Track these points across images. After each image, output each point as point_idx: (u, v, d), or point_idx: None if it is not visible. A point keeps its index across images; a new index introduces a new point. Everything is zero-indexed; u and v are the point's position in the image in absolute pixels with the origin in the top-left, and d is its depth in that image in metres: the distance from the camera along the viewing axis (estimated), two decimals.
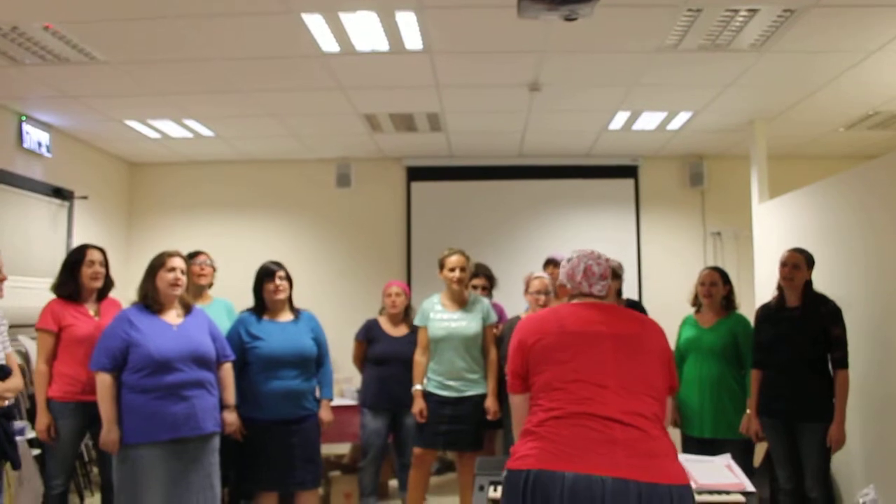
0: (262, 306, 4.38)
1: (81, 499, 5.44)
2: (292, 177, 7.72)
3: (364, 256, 7.59)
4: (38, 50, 4.55)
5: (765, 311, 4.29)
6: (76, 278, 4.12)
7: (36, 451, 4.12)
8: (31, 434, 4.02)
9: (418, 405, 4.68)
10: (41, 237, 6.08)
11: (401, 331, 5.10)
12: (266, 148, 7.25)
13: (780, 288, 4.20)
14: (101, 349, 3.73)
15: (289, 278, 4.44)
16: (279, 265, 4.43)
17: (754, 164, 6.28)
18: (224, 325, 4.44)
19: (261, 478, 4.26)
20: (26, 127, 5.92)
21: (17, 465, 3.19)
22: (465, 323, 4.68)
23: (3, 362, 3.19)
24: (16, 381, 3.23)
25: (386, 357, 4.99)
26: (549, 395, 2.45)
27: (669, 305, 5.12)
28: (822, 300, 4.05)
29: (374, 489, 5.09)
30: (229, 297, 4.95)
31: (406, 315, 5.17)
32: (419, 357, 4.78)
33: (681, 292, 4.89)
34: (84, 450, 5.22)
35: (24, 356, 5.10)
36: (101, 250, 4.24)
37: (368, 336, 5.12)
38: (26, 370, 4.65)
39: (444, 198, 7.62)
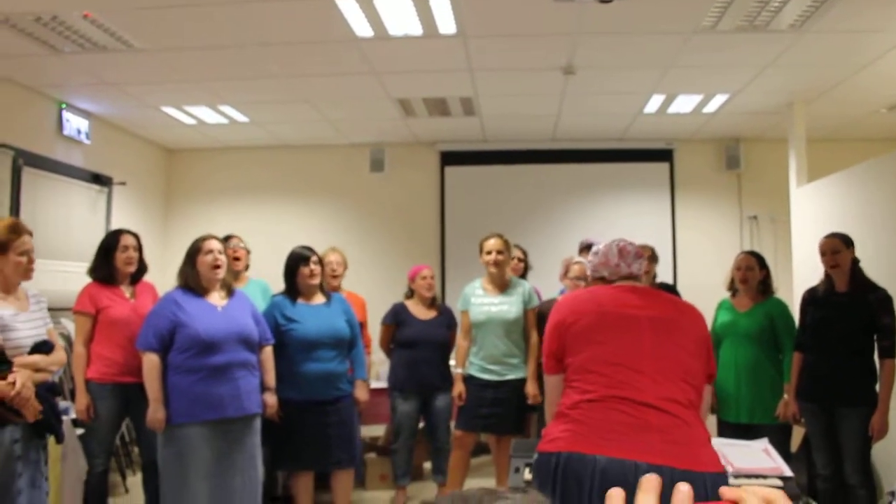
0: (295, 290, 4.42)
1: (123, 478, 5.56)
2: (326, 162, 7.75)
3: (398, 241, 7.61)
4: (77, 38, 4.61)
5: (812, 295, 4.21)
6: (110, 262, 4.20)
7: (79, 431, 4.23)
8: (74, 414, 4.12)
9: (458, 388, 4.71)
10: (81, 222, 6.18)
11: (429, 314, 5.12)
12: (300, 133, 7.29)
13: (827, 274, 4.13)
14: (149, 329, 3.80)
15: (320, 263, 4.49)
16: (311, 250, 4.48)
17: (792, 147, 6.18)
18: (260, 305, 4.51)
19: (298, 457, 4.32)
20: (66, 115, 6.02)
21: (60, 439, 3.27)
22: (506, 307, 4.68)
23: (46, 338, 3.27)
24: (59, 355, 3.29)
25: (415, 340, 5.02)
26: (583, 378, 2.44)
27: (705, 290, 5.07)
28: (872, 287, 3.98)
29: (408, 471, 5.13)
30: (266, 281, 5.02)
31: (433, 298, 5.19)
32: (461, 341, 4.82)
33: (716, 277, 4.84)
34: (125, 430, 5.33)
35: (67, 338, 5.21)
36: (135, 235, 4.32)
37: (397, 320, 5.14)
38: (69, 350, 4.75)
39: (478, 182, 7.61)
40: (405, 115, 6.61)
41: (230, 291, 4.03)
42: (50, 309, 4.13)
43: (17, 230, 3.31)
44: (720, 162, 7.51)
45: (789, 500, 0.74)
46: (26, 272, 3.34)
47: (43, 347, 3.24)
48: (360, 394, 4.53)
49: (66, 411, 4.06)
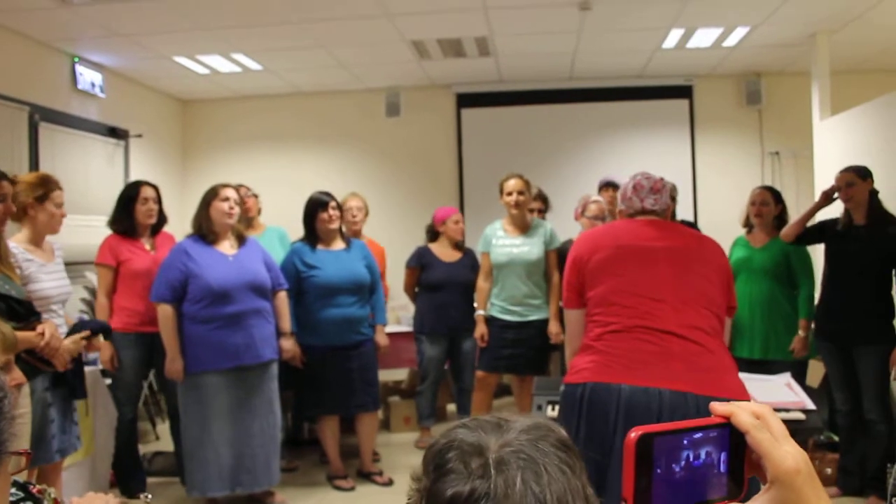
0: (315, 236, 4.43)
1: (154, 425, 5.69)
2: (342, 107, 7.69)
3: (416, 185, 7.58)
4: None
5: (831, 227, 4.14)
6: (131, 214, 4.23)
7: (107, 381, 4.32)
8: (101, 365, 4.21)
9: (480, 330, 4.74)
10: (99, 176, 6.21)
11: (454, 256, 5.12)
12: (315, 79, 7.22)
13: (846, 211, 4.07)
14: (161, 281, 3.85)
15: (339, 208, 4.49)
16: (330, 195, 4.48)
17: (815, 80, 6.04)
18: (277, 252, 4.54)
19: (322, 402, 4.39)
20: (79, 68, 6.00)
21: (78, 395, 3.32)
22: (528, 248, 4.68)
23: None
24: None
25: (441, 283, 5.03)
26: (605, 310, 2.45)
27: (725, 228, 5.02)
28: (891, 219, 3.93)
29: (432, 413, 5.20)
30: (284, 228, 5.04)
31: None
32: (482, 283, 4.82)
33: (737, 214, 4.79)
34: (153, 379, 5.44)
35: (92, 291, 5.28)
36: (154, 187, 4.33)
37: (421, 262, 5.15)
38: (94, 305, 4.82)
39: (495, 124, 7.53)
40: (420, 58, 6.52)
41: (242, 240, 4.05)
42: (72, 263, 4.20)
43: (54, 182, 3.39)
44: (740, 97, 7.37)
45: (777, 417, 0.75)
46: (57, 225, 3.41)
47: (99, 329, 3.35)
48: (381, 339, 4.57)
49: (93, 362, 4.14)
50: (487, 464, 0.86)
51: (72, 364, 3.17)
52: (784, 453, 0.72)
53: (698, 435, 0.73)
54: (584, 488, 0.89)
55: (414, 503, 0.91)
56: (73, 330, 3.31)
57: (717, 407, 0.75)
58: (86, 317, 4.63)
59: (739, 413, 0.74)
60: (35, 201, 3.33)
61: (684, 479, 0.72)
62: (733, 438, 0.74)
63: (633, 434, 0.69)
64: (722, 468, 0.74)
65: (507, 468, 0.85)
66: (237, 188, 4.81)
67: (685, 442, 0.72)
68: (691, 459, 0.72)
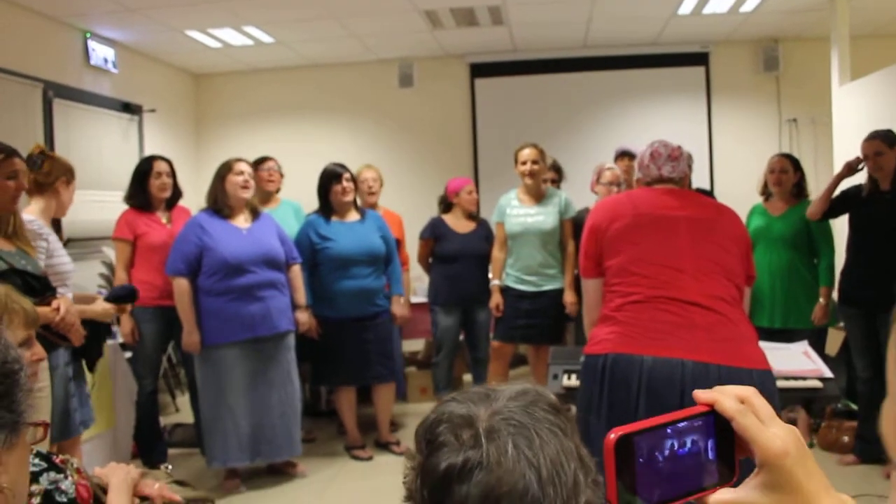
0: (329, 208, 4.44)
1: (173, 397, 5.76)
2: (355, 79, 7.66)
3: (431, 155, 7.55)
4: None
5: (856, 193, 4.08)
6: (146, 189, 4.26)
7: (127, 355, 4.36)
8: (120, 339, 4.25)
9: (495, 300, 4.74)
10: (114, 152, 6.22)
11: (468, 226, 5.11)
12: (327, 51, 7.18)
13: (871, 177, 4.02)
14: (176, 255, 3.87)
15: (353, 179, 4.48)
16: (344, 167, 4.47)
17: (835, 44, 5.93)
18: (292, 226, 4.55)
19: (339, 373, 4.43)
20: (91, 44, 5.99)
21: (91, 367, 3.35)
22: (542, 217, 4.66)
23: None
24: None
25: (455, 254, 5.03)
26: (625, 280, 2.44)
27: (743, 196, 4.98)
28: None
29: (449, 383, 5.23)
30: (299, 200, 5.04)
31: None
32: (497, 253, 4.81)
33: (754, 183, 4.74)
34: (172, 352, 5.49)
35: (109, 266, 5.32)
36: (168, 161, 4.35)
37: (435, 234, 5.14)
38: (111, 280, 4.86)
39: (509, 93, 7.47)
40: (432, 28, 6.47)
41: (255, 214, 4.07)
42: (88, 238, 4.22)
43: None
44: (758, 64, 7.27)
45: (762, 398, 0.74)
46: (67, 210, 3.50)
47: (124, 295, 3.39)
48: (398, 309, 4.59)
49: (114, 336, 4.19)
50: (478, 433, 0.87)
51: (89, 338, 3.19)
52: (771, 436, 0.70)
53: (682, 425, 0.72)
54: (578, 448, 0.90)
55: (410, 481, 0.91)
56: (106, 299, 3.35)
57: (700, 395, 0.74)
58: (104, 291, 4.66)
59: (723, 399, 0.72)
60: (66, 180, 3.41)
61: (671, 469, 0.71)
62: (720, 424, 0.73)
63: (613, 435, 0.68)
64: (710, 455, 0.73)
65: (498, 436, 0.86)
66: (264, 160, 4.82)
67: (668, 432, 0.71)
68: (676, 448, 0.71)
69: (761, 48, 7.21)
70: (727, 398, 0.73)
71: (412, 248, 5.41)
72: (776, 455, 0.69)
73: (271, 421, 3.98)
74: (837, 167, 5.67)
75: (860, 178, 4.12)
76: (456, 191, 5.14)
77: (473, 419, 0.88)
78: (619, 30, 6.79)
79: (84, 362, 3.28)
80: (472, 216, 5.15)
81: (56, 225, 3.56)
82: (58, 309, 2.95)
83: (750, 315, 4.25)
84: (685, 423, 0.72)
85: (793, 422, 4.51)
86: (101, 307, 3.24)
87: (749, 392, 0.74)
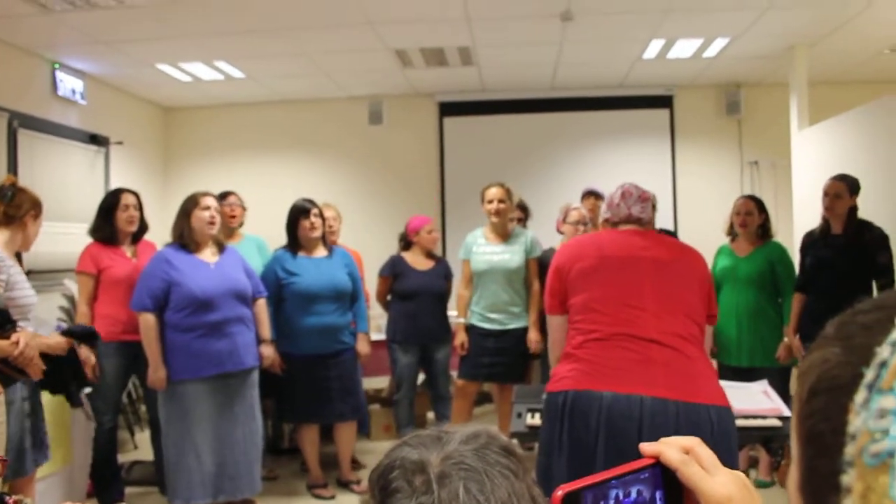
0: (297, 243, 4.43)
1: (132, 434, 5.64)
2: (324, 116, 7.69)
3: (398, 193, 7.58)
4: None
5: (809, 238, 4.23)
6: (111, 222, 4.21)
7: (87, 390, 4.27)
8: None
9: (460, 338, 4.75)
10: (79, 183, 6.17)
11: (427, 264, 5.12)
12: (297, 88, 7.22)
13: (824, 217, 4.13)
14: (142, 290, 3.82)
15: (321, 216, 4.49)
16: (312, 202, 4.48)
17: (794, 91, 6.11)
18: (255, 261, 4.53)
19: (300, 410, 4.39)
20: (60, 75, 5.96)
21: (74, 404, 3.30)
22: (508, 256, 4.69)
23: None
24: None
25: (414, 291, 5.02)
26: (587, 318, 2.48)
27: (706, 236, 5.06)
28: (868, 226, 3.98)
29: (411, 421, 5.19)
30: (265, 237, 5.03)
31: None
32: (462, 290, 4.83)
33: (717, 223, 4.83)
34: (132, 388, 5.39)
35: (71, 299, 5.24)
36: (135, 194, 4.32)
37: (394, 271, 5.14)
38: (73, 313, 4.79)
39: (478, 133, 7.55)
40: (403, 66, 6.54)
41: (221, 248, 4.05)
42: (50, 271, 4.15)
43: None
44: (720, 107, 7.45)
45: (707, 447, 0.76)
46: (31, 245, 3.47)
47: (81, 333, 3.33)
48: (362, 347, 4.57)
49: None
50: (429, 479, 0.88)
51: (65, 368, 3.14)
52: (714, 484, 0.72)
53: (629, 477, 0.73)
54: (530, 489, 0.91)
55: None
56: (62, 332, 3.29)
57: (646, 447, 0.76)
58: (64, 325, 4.59)
59: (666, 451, 0.74)
60: (34, 214, 3.38)
61: None
62: (667, 475, 0.74)
63: (560, 492, 0.69)
64: None
65: (450, 481, 0.88)
66: (226, 195, 4.81)
67: (614, 483, 0.72)
68: (621, 498, 0.72)
69: (724, 92, 7.39)
70: (671, 449, 0.75)
71: (371, 285, 5.40)
72: (719, 502, 0.71)
73: (234, 458, 3.93)
74: (797, 209, 5.82)
75: (816, 221, 4.23)
76: (416, 229, 5.16)
77: (425, 465, 0.90)
78: (586, 73, 6.93)
79: (66, 397, 3.23)
80: (431, 255, 5.17)
81: (17, 257, 3.51)
82: (17, 342, 2.89)
83: (717, 354, 4.36)
84: (632, 475, 0.73)
85: (755, 460, 4.55)
86: (55, 340, 3.17)
87: (693, 442, 0.76)
